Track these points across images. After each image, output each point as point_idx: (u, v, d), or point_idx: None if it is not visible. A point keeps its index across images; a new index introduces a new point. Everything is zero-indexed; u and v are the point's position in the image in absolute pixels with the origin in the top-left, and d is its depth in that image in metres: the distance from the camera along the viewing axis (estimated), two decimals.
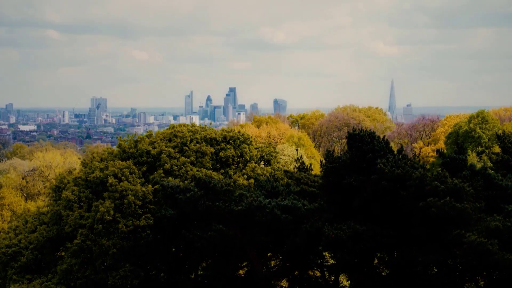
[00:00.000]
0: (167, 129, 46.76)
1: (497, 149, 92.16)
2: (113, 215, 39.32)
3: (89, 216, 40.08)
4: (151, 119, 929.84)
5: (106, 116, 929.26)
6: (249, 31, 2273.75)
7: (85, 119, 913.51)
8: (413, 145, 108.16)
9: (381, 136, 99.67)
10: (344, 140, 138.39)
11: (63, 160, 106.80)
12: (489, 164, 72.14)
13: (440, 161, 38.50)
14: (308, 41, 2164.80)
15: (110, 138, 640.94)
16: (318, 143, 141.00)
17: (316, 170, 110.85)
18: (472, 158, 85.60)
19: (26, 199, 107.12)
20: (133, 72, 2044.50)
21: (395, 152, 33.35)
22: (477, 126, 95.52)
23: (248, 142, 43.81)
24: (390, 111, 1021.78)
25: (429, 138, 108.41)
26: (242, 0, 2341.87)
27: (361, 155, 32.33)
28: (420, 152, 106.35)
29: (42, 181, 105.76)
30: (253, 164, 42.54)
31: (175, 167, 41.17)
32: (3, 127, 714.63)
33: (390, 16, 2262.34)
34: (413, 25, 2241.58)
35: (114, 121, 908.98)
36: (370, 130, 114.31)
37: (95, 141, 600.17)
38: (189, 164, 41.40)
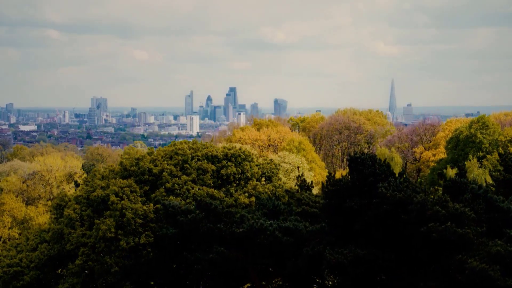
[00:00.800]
0: (168, 146, 46.80)
1: (497, 155, 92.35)
2: (115, 232, 39.42)
3: (91, 235, 40.16)
4: (151, 119, 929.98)
5: (107, 116, 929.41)
6: (249, 31, 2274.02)
7: (85, 119, 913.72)
8: (413, 149, 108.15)
9: (382, 141, 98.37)
10: (345, 143, 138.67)
11: (63, 164, 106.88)
12: (490, 180, 72.25)
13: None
14: (308, 41, 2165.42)
15: (110, 138, 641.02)
16: (318, 146, 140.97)
17: (317, 173, 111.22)
18: (473, 163, 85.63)
19: (26, 204, 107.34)
20: (133, 72, 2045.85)
21: (397, 175, 33.34)
22: (478, 131, 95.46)
23: (249, 159, 43.83)
24: (391, 111, 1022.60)
25: (430, 142, 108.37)
26: (242, 0, 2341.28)
27: (363, 178, 32.35)
28: (420, 156, 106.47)
29: (43, 185, 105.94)
30: (255, 182, 42.56)
31: (177, 185, 41.21)
32: (3, 127, 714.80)
33: (390, 16, 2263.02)
34: (413, 25, 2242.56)
35: (114, 121, 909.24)
36: (370, 133, 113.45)
37: (95, 141, 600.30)
38: (190, 182, 41.43)
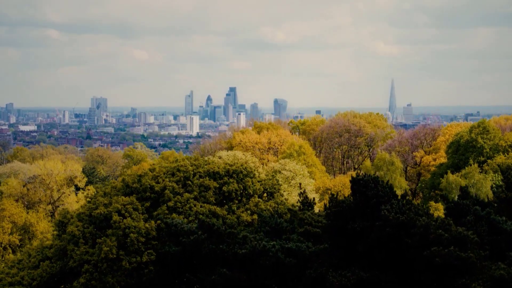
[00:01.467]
0: (170, 163, 46.79)
1: (498, 159, 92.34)
2: (117, 253, 39.45)
3: (94, 253, 40.20)
4: (151, 119, 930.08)
5: (107, 116, 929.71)
6: (249, 31, 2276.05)
7: (85, 119, 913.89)
8: (414, 153, 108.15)
9: (382, 144, 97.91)
10: (345, 146, 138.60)
11: (64, 168, 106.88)
12: (492, 196, 72.16)
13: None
14: (308, 41, 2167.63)
15: (110, 139, 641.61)
16: (318, 149, 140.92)
17: (317, 177, 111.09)
18: (473, 168, 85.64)
19: (27, 207, 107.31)
20: (133, 72, 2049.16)
21: (399, 196, 33.34)
22: (479, 136, 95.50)
23: (251, 176, 43.82)
24: (391, 111, 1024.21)
25: (430, 146, 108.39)
26: (242, 0, 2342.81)
27: (365, 200, 32.34)
28: (421, 160, 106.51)
29: (43, 189, 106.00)
30: (256, 199, 42.55)
31: (179, 203, 41.22)
32: (3, 127, 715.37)
33: (390, 16, 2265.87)
34: (413, 25, 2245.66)
35: (114, 121, 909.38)
36: (371, 136, 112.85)
37: (95, 141, 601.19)
38: (192, 200, 41.42)
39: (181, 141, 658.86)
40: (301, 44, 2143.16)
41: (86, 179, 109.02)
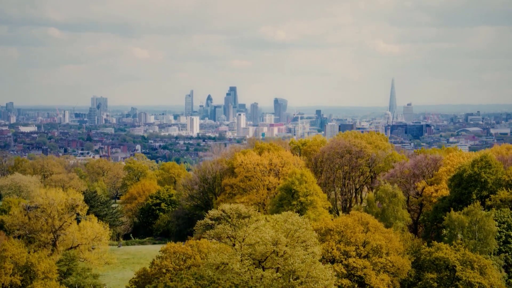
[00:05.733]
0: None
1: (502, 194, 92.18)
2: None
3: None
4: (151, 119, 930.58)
5: (107, 116, 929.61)
6: (250, 30, 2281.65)
7: (85, 119, 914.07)
8: (415, 184, 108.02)
9: (384, 173, 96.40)
10: (346, 167, 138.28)
11: (65, 197, 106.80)
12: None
13: None
14: (309, 39, 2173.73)
15: (110, 140, 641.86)
16: (320, 169, 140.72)
17: (319, 206, 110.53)
18: (476, 206, 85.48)
19: (28, 239, 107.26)
20: (134, 71, 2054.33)
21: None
22: (482, 170, 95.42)
23: None
24: (391, 110, 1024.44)
25: (432, 177, 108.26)
26: None
27: None
28: (422, 191, 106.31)
29: (45, 218, 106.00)
30: None
31: None
32: (3, 128, 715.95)
33: (391, 15, 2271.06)
34: (414, 23, 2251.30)
35: (114, 120, 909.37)
36: (372, 157, 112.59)
37: (95, 143, 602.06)
38: None
39: (181, 142, 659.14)
40: (302, 43, 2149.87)
41: (87, 207, 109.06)
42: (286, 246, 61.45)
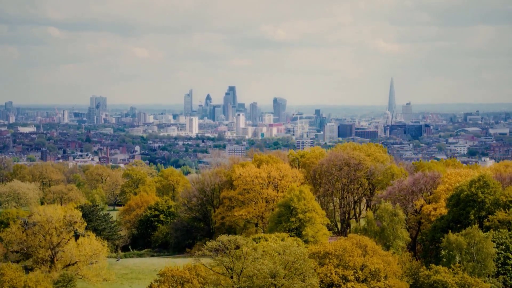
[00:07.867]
0: None
1: (499, 215, 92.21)
2: None
3: None
4: (150, 118, 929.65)
5: (106, 115, 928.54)
6: (250, 29, 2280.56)
7: (84, 118, 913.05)
8: (414, 201, 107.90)
9: (382, 192, 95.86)
10: (345, 180, 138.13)
11: (63, 214, 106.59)
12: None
13: None
14: (309, 38, 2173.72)
15: (109, 141, 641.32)
16: (318, 182, 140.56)
17: (317, 223, 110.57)
18: (474, 228, 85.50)
19: (26, 255, 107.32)
20: (133, 70, 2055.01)
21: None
22: (479, 190, 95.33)
23: None
24: (390, 109, 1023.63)
25: (430, 194, 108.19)
26: None
27: None
28: (421, 209, 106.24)
29: (43, 234, 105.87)
30: None
31: None
32: (2, 128, 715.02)
33: (391, 14, 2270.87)
34: (414, 22, 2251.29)
35: (113, 120, 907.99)
36: (371, 170, 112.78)
37: (94, 144, 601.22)
38: None
39: (180, 143, 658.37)
40: (302, 42, 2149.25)
41: (85, 224, 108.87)
42: (284, 278, 61.47)
